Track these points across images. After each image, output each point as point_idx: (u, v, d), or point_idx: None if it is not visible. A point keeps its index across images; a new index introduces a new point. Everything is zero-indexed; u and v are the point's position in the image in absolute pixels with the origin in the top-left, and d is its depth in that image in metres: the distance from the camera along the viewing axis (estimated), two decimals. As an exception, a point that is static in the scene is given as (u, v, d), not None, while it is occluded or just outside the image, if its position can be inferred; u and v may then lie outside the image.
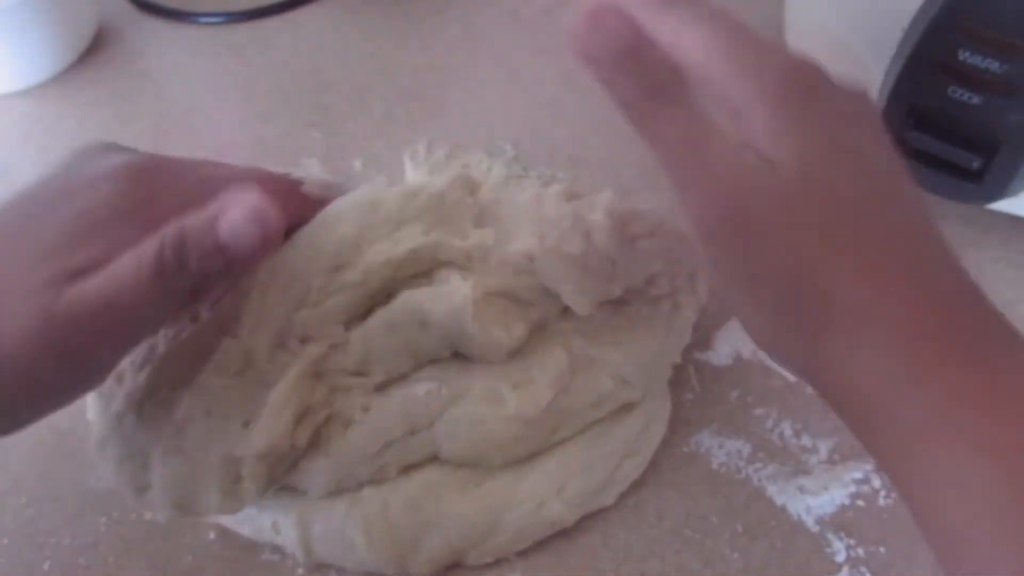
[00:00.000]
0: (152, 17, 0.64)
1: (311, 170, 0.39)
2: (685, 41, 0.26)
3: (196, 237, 0.29)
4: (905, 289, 0.25)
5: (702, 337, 0.43)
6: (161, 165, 0.33)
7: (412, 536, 0.36)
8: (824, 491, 0.38)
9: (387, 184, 0.37)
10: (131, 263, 0.28)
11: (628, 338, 0.38)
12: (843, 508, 0.38)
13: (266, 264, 0.34)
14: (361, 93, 0.57)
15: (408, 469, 0.37)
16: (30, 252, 0.29)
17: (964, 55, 0.38)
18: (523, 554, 0.37)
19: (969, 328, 0.25)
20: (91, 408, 0.38)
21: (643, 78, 0.27)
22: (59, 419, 0.41)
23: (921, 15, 0.39)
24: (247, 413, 0.34)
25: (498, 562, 0.37)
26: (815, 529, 0.37)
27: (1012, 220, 0.44)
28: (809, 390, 0.32)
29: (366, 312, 0.36)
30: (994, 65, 0.37)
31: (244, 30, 0.62)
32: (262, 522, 0.37)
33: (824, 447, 0.39)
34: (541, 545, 0.37)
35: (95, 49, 0.61)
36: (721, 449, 0.40)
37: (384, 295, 0.36)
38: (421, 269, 0.36)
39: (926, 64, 0.39)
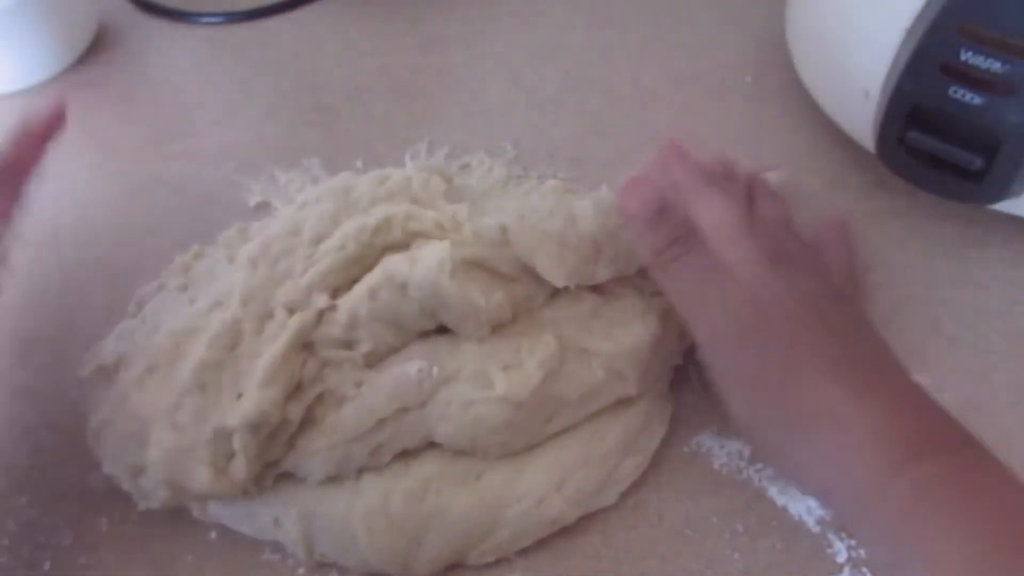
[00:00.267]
0: (152, 17, 0.64)
1: (311, 170, 0.41)
2: (701, 214, 0.35)
3: None
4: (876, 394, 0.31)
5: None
6: None
7: (414, 531, 0.36)
8: (825, 491, 0.38)
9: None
10: None
11: (621, 331, 0.39)
12: (844, 508, 0.38)
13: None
14: (361, 93, 0.57)
15: (407, 460, 0.37)
16: None
17: (965, 55, 0.38)
18: (523, 553, 0.37)
19: (930, 422, 0.31)
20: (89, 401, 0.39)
21: (668, 231, 0.35)
22: (59, 419, 0.42)
23: (922, 15, 0.39)
24: (239, 387, 0.35)
25: (498, 562, 0.37)
26: (816, 530, 0.37)
27: (1013, 220, 0.44)
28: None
29: (351, 284, 0.37)
30: (995, 65, 0.37)
31: (244, 30, 0.62)
32: (263, 518, 0.37)
33: (825, 447, 0.39)
34: (541, 544, 0.37)
35: (95, 49, 0.61)
36: (722, 449, 0.40)
37: (367, 268, 0.37)
38: (397, 240, 0.38)
39: (927, 64, 0.39)
